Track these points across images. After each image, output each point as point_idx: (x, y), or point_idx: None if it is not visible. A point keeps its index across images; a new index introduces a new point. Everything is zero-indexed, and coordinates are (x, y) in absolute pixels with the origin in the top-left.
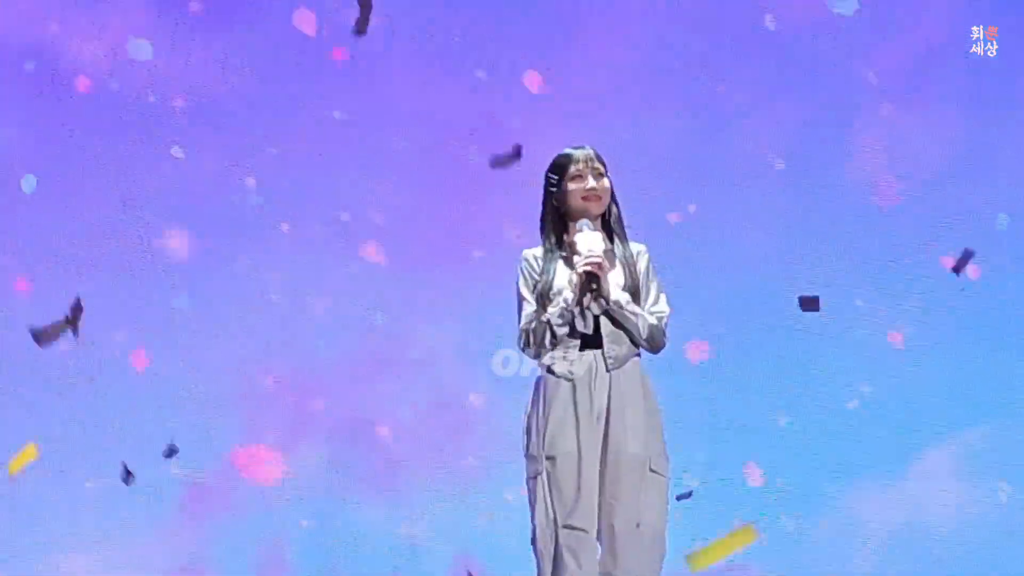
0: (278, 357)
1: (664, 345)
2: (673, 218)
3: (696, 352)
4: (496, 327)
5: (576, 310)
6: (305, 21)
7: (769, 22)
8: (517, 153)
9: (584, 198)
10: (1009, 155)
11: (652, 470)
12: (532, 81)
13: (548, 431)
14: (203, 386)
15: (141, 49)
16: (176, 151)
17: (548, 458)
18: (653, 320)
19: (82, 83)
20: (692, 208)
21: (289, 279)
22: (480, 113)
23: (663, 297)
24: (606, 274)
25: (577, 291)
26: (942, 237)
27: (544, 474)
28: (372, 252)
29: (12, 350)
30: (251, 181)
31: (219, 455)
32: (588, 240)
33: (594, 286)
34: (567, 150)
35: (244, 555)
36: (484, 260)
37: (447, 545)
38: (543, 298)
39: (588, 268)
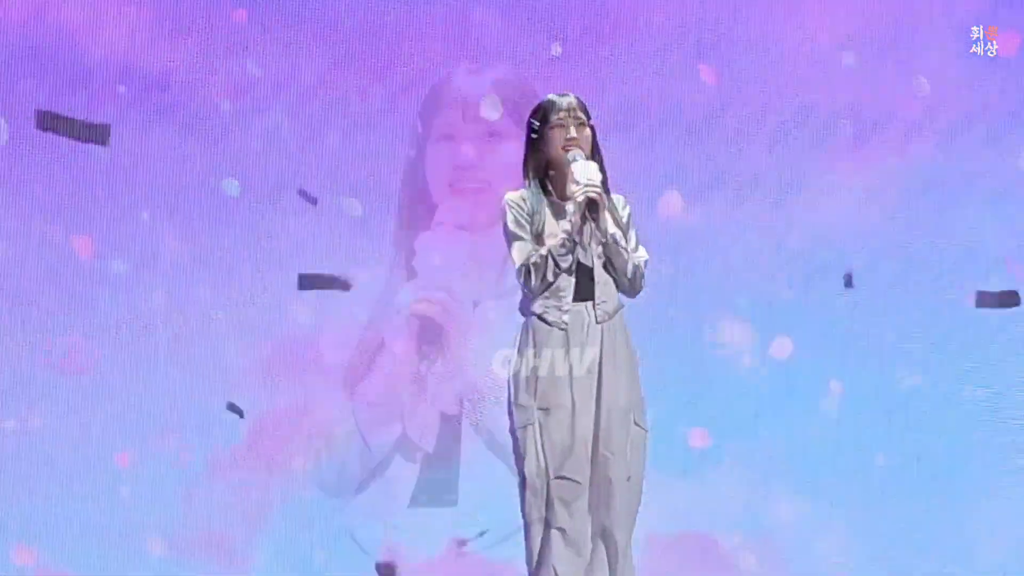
0: (274, 335)
1: (642, 290)
2: None
3: None
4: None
5: (577, 239)
6: None
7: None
8: None
9: (564, 147)
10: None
11: (636, 423)
12: None
13: (541, 382)
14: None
15: None
16: None
17: (541, 409)
18: (638, 262)
19: None
20: None
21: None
22: None
23: (642, 247)
24: (604, 203)
25: (577, 218)
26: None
27: (536, 425)
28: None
29: None
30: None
31: (211, 428)
32: (585, 169)
33: (593, 215)
34: (551, 97)
35: (221, 530)
36: None
37: (431, 518)
38: (538, 239)
39: (590, 195)
